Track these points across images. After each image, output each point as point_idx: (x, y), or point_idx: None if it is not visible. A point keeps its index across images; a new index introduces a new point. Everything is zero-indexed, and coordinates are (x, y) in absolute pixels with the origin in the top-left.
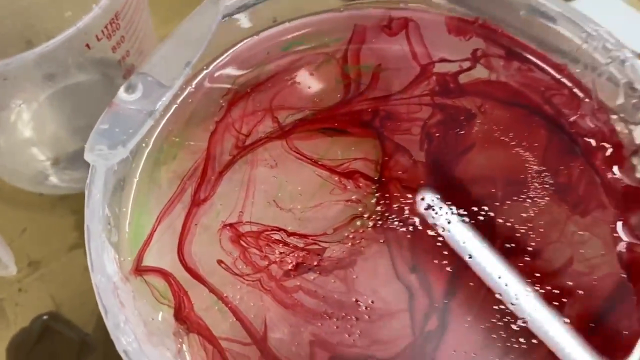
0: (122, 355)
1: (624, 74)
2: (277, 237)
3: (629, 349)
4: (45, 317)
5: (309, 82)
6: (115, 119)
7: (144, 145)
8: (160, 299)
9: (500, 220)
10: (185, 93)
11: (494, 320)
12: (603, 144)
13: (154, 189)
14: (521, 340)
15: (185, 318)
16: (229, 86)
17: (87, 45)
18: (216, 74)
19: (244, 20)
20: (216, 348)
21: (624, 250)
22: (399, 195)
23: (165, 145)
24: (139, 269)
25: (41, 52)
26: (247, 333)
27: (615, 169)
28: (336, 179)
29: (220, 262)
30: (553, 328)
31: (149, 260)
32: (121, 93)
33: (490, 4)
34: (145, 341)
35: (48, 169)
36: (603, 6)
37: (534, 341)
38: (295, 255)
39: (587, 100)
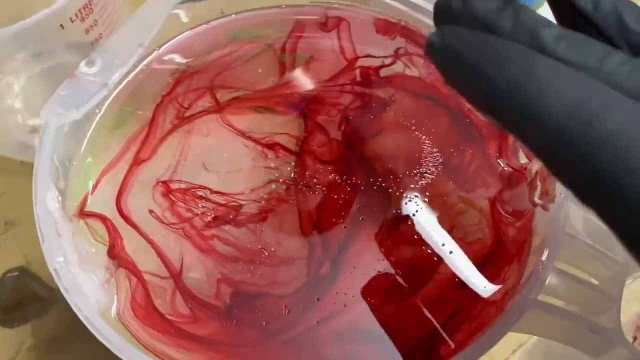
0: (53, 273)
1: None
2: (201, 193)
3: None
4: (16, 272)
5: (248, 67)
6: (74, 87)
7: (97, 111)
8: (97, 238)
9: (395, 191)
10: (138, 69)
11: (374, 278)
12: (494, 134)
13: (102, 148)
14: (396, 286)
15: (116, 255)
16: (176, 67)
17: (62, 26)
18: (167, 56)
19: (190, 11)
20: (139, 280)
21: (501, 221)
22: (312, 166)
23: (116, 112)
24: (82, 213)
25: (19, 28)
26: (166, 268)
27: (502, 156)
28: (259, 149)
29: (151, 211)
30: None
31: (91, 207)
32: (82, 66)
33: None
34: (77, 267)
35: (29, 139)
36: None
37: (408, 287)
38: (215, 210)
39: None
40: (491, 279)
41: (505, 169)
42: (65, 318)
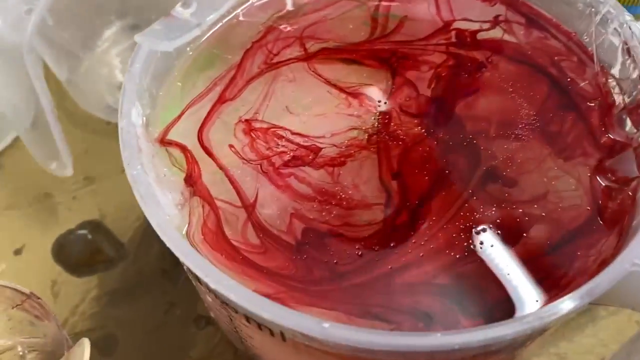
0: (130, 179)
1: (622, 36)
2: (282, 133)
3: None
4: (88, 228)
5: (338, 21)
6: (168, 24)
7: (188, 49)
8: (176, 164)
9: (485, 150)
10: (232, 15)
11: (456, 232)
12: (598, 104)
13: (189, 85)
14: (480, 242)
15: (193, 182)
16: (266, 18)
17: None
18: (261, 3)
19: None
20: (212, 208)
21: (600, 191)
22: (397, 117)
23: (206, 54)
24: (164, 140)
25: None
26: (239, 199)
27: (606, 125)
28: (344, 97)
29: (231, 146)
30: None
31: (173, 136)
32: (178, 7)
33: None
34: (154, 182)
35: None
36: None
37: (492, 246)
38: (295, 150)
39: (590, 66)
40: (586, 248)
41: (609, 138)
42: (130, 273)
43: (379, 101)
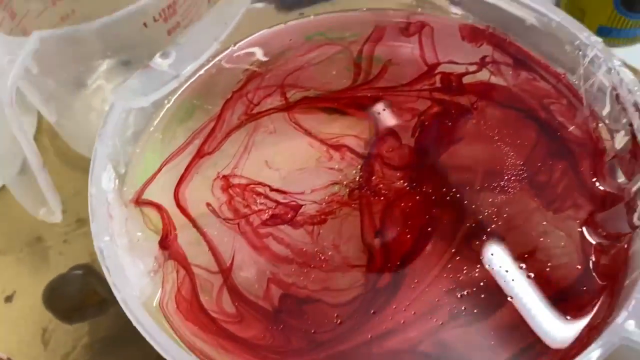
0: (97, 252)
1: (610, 82)
2: (261, 190)
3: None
4: (81, 270)
5: (321, 68)
6: (146, 76)
7: (166, 102)
8: (150, 227)
9: (469, 204)
10: (211, 64)
11: (439, 295)
12: (588, 150)
13: (168, 138)
14: (463, 308)
15: (168, 246)
16: (248, 66)
17: (145, 24)
18: (242, 52)
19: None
20: (188, 273)
21: (591, 247)
22: (379, 170)
23: (185, 105)
24: (139, 200)
25: (103, 22)
26: (216, 263)
27: (597, 174)
28: (325, 149)
29: (208, 204)
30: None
31: (149, 195)
32: (156, 58)
33: (498, 14)
34: (125, 251)
35: None
36: None
37: (475, 311)
38: (273, 208)
39: (580, 109)
40: (576, 310)
41: (600, 188)
42: (122, 319)
43: (361, 153)
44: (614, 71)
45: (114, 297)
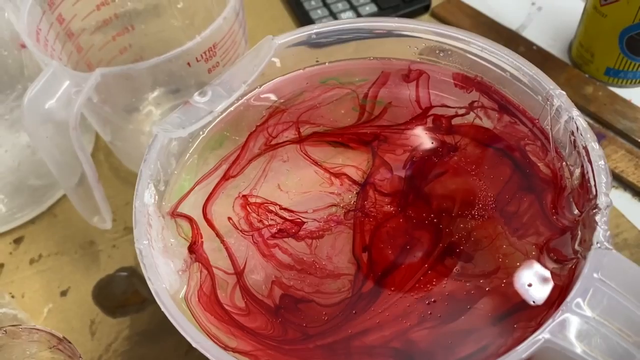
0: (137, 252)
1: (569, 128)
2: (272, 208)
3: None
4: (126, 272)
5: (331, 107)
6: (185, 112)
7: (201, 133)
8: (182, 234)
9: (445, 227)
10: (240, 102)
11: (411, 302)
12: (553, 186)
13: (201, 163)
14: (429, 313)
15: (195, 251)
16: (270, 104)
17: (188, 64)
18: (265, 94)
19: (288, 57)
20: (209, 273)
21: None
22: (372, 196)
23: (217, 135)
24: (174, 213)
25: (153, 62)
26: (232, 266)
27: (557, 207)
28: (328, 176)
29: (229, 218)
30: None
31: (183, 209)
32: (195, 95)
33: (482, 67)
34: (160, 252)
35: None
36: None
37: (440, 316)
38: (281, 223)
39: (549, 150)
40: (527, 320)
41: (559, 220)
42: (159, 316)
43: (358, 181)
44: (572, 120)
45: (153, 298)
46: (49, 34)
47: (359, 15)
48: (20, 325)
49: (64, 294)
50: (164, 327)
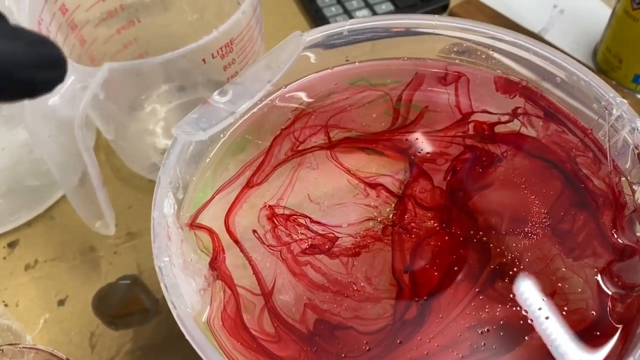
0: (157, 270)
1: (633, 141)
2: (302, 221)
3: None
4: (128, 280)
5: (362, 111)
6: (204, 112)
7: (222, 136)
8: (202, 248)
9: (495, 247)
10: (263, 104)
11: (461, 330)
12: (610, 203)
13: (221, 169)
14: (483, 344)
15: (217, 267)
16: (296, 105)
17: (204, 60)
18: (291, 94)
19: (317, 55)
20: (233, 293)
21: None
22: (412, 210)
23: (239, 139)
24: (193, 224)
25: (166, 58)
26: (259, 286)
27: (617, 226)
28: (362, 187)
29: (254, 231)
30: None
31: (202, 220)
32: (215, 95)
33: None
34: (180, 270)
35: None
36: None
37: (494, 347)
38: (312, 238)
39: (605, 163)
40: (589, 353)
41: (620, 240)
42: (163, 329)
43: (396, 192)
44: (637, 131)
45: (157, 308)
46: (51, 25)
47: (374, 13)
48: (19, 344)
49: (61, 303)
50: (169, 341)
